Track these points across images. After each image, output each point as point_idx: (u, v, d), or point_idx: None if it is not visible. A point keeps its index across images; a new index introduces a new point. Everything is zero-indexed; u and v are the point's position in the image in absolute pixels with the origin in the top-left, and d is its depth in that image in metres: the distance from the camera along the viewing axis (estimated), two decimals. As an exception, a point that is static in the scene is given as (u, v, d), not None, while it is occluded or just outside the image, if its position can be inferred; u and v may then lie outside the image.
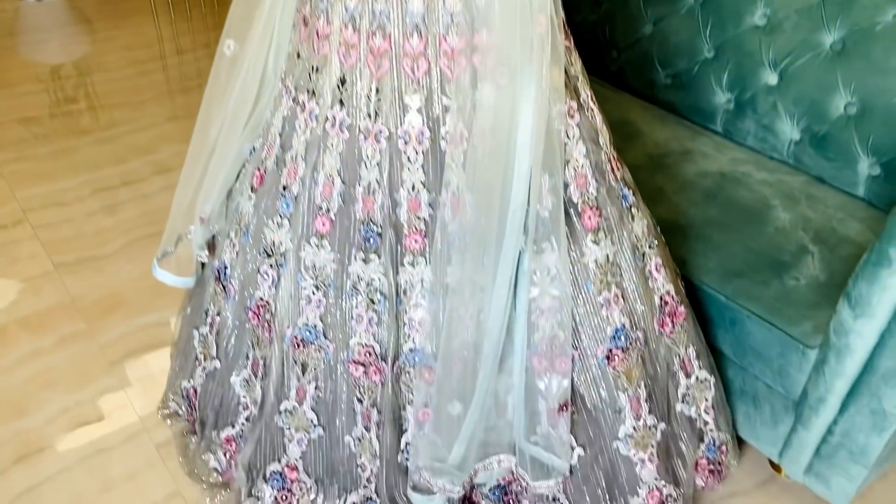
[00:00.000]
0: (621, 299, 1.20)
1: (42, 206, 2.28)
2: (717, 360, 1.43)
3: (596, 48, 2.15)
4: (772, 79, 1.73)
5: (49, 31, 3.36)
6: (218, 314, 1.38)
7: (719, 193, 1.64)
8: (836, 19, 1.61)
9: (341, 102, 1.11)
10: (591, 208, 1.16)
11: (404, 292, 1.17)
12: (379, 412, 1.23)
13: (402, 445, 1.26)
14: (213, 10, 3.65)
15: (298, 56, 1.18)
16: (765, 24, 1.73)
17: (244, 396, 1.35)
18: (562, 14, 1.10)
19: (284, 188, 1.21)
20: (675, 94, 1.96)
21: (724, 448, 1.43)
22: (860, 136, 1.59)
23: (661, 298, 1.27)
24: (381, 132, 1.09)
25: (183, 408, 1.55)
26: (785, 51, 1.69)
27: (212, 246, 1.41)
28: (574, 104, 1.14)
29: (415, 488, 1.24)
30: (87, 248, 2.13)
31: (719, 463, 1.43)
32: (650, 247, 1.26)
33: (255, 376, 1.32)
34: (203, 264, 1.44)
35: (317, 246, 1.18)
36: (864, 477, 1.30)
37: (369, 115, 1.10)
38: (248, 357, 1.33)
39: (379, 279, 1.16)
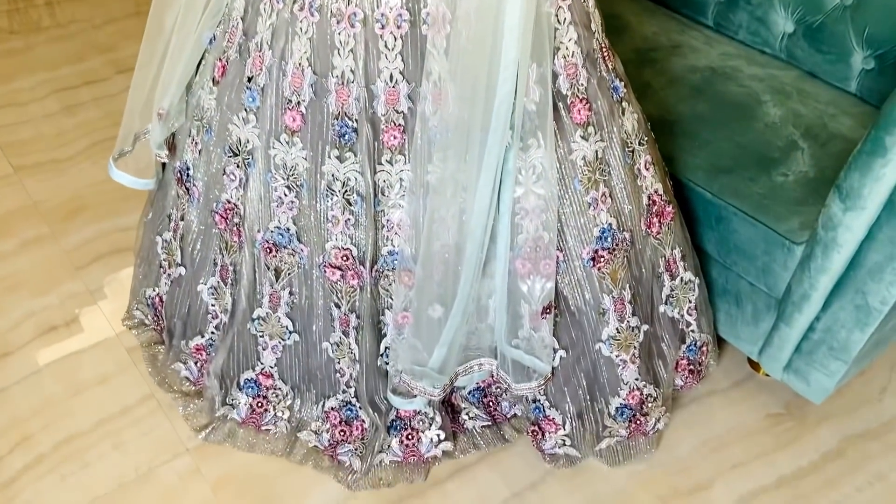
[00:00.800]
0: (609, 198, 1.16)
1: (-3, 107, 2.16)
2: (700, 259, 1.41)
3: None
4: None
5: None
6: (181, 218, 1.32)
7: (708, 89, 1.58)
8: None
9: (310, -19, 1.02)
10: (580, 101, 1.10)
11: (382, 192, 1.11)
12: (357, 317, 1.20)
13: (382, 349, 1.23)
14: None
15: (260, -71, 1.07)
16: None
17: (213, 305, 1.31)
18: None
19: (249, 79, 1.12)
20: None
21: (704, 349, 1.43)
22: (855, 28, 1.52)
23: (649, 198, 1.23)
24: (355, 14, 1.01)
25: (149, 317, 1.50)
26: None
27: (172, 145, 1.33)
28: (565, -18, 1.06)
29: (395, 391, 1.22)
30: (48, 150, 2.03)
31: (699, 363, 1.43)
32: (640, 143, 1.21)
33: (225, 283, 1.28)
34: (164, 165, 1.37)
35: (287, 143, 1.11)
36: (843, 372, 1.31)
37: (341, -4, 1.01)
38: (215, 263, 1.27)
39: (355, 178, 1.10)
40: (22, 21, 2.55)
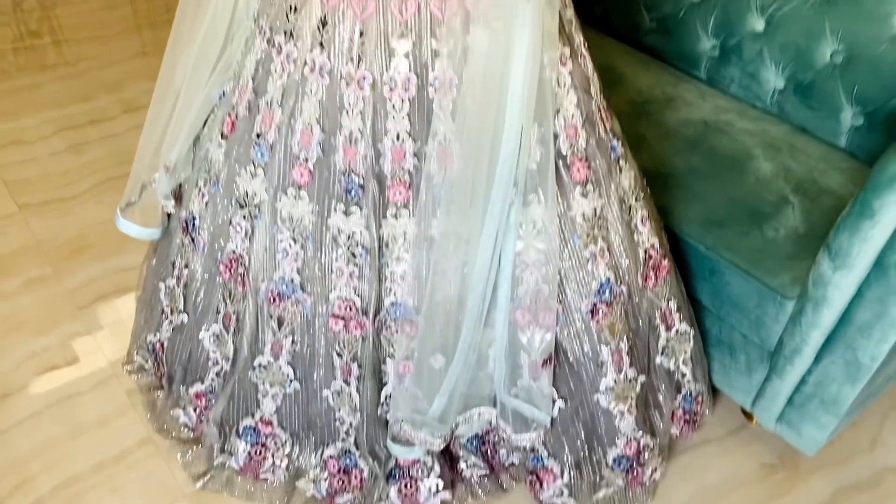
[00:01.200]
0: (607, 253, 1.19)
1: (3, 145, 2.19)
2: (694, 309, 1.44)
3: (580, -12, 2.09)
4: (758, 25, 1.69)
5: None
6: (186, 266, 1.34)
7: (702, 142, 1.62)
8: (828, -36, 1.57)
9: (321, 45, 1.06)
10: (580, 160, 1.14)
11: (386, 245, 1.14)
12: (359, 366, 1.22)
13: (383, 398, 1.25)
14: (179, -63, 3.48)
15: (274, -6, 1.12)
16: (754, -33, 1.69)
17: (214, 352, 1.33)
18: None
19: (258, 135, 1.16)
20: (659, 39, 1.92)
21: (699, 399, 1.45)
22: (845, 86, 1.57)
23: (645, 252, 1.26)
24: (364, 78, 1.05)
25: (149, 362, 1.52)
26: (773, -4, 1.66)
27: (178, 195, 1.36)
28: (567, 51, 1.10)
29: (395, 440, 1.24)
30: (53, 188, 2.06)
31: (695, 413, 1.45)
32: (636, 199, 1.24)
33: (227, 331, 1.30)
34: (169, 215, 1.40)
35: (294, 197, 1.14)
36: (834, 426, 1.33)
37: (352, 60, 1.05)
38: (218, 311, 1.30)
39: (360, 233, 1.13)
40: (29, 58, 2.59)
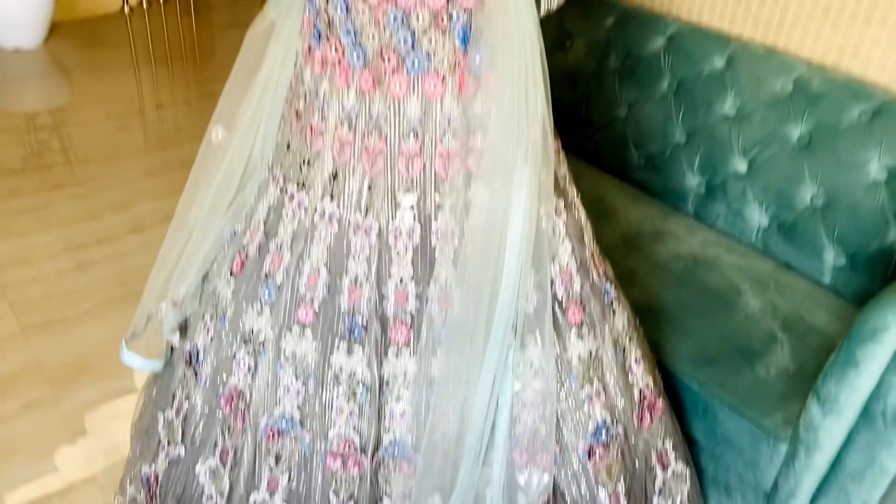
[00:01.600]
0: (603, 394, 1.22)
1: (12, 264, 2.24)
2: (690, 447, 1.45)
3: (573, 126, 2.21)
4: (741, 166, 1.79)
5: (27, 81, 3.34)
6: (186, 399, 1.36)
7: (691, 277, 1.68)
8: (803, 114, 1.68)
9: (332, 196, 1.13)
10: (575, 304, 1.19)
11: (387, 384, 1.17)
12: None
13: (379, 537, 1.25)
14: (194, 64, 3.67)
15: (288, 147, 1.19)
16: (734, 114, 1.80)
17: (209, 487, 1.33)
18: (552, 119, 1.13)
19: (267, 275, 1.21)
20: (648, 175, 2.02)
21: (697, 537, 1.44)
22: (826, 227, 1.65)
23: (640, 392, 1.29)
24: (371, 227, 1.11)
25: (142, 494, 1.50)
26: (754, 140, 1.76)
27: (183, 328, 1.39)
28: (561, 203, 1.17)
29: (391, 581, 1.22)
30: (56, 308, 2.09)
31: (692, 551, 1.44)
32: (630, 340, 1.29)
33: (224, 466, 1.30)
34: (172, 347, 1.43)
35: (299, 335, 1.18)
36: (832, 570, 1.32)
37: (360, 210, 1.11)
38: (216, 445, 1.30)
39: (362, 371, 1.16)
40: (41, 177, 2.68)
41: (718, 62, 1.85)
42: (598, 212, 1.90)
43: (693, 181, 1.90)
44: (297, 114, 1.17)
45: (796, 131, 1.69)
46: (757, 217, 1.78)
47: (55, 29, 3.72)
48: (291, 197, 1.17)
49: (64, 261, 2.28)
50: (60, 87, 3.39)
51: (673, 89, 1.93)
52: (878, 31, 1.62)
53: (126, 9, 4.18)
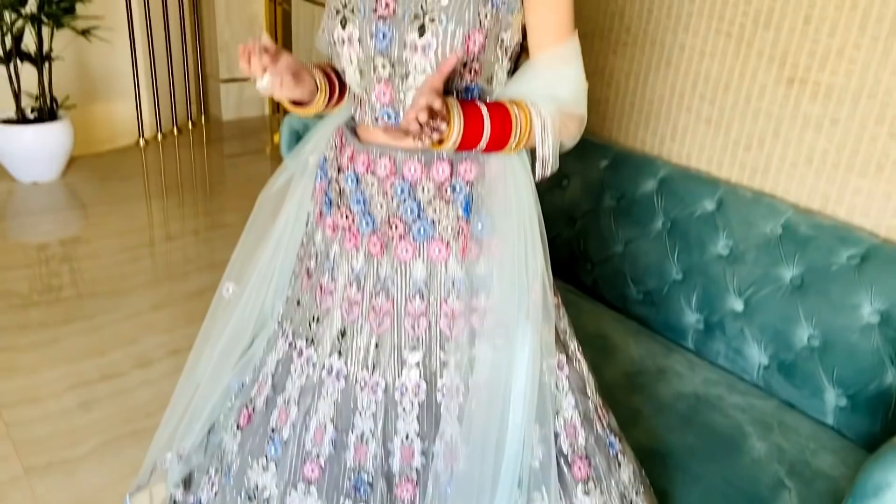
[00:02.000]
0: (610, 551, 1.21)
1: (17, 402, 2.24)
2: None
3: (571, 260, 2.28)
4: (738, 305, 1.83)
5: (42, 214, 3.45)
6: (190, 554, 1.35)
7: (695, 418, 1.69)
8: (794, 256, 1.74)
9: (340, 353, 1.16)
10: (580, 458, 1.20)
11: (391, 540, 1.17)
12: None
13: None
14: (204, 194, 3.80)
15: (298, 303, 1.24)
16: (728, 254, 1.87)
17: None
18: (551, 277, 1.19)
19: (273, 430, 1.22)
20: (647, 310, 2.06)
21: None
22: (825, 368, 1.67)
23: (648, 546, 1.28)
24: (378, 384, 1.14)
25: None
26: (748, 281, 1.81)
27: (187, 481, 1.39)
28: (563, 357, 1.21)
29: None
30: (60, 448, 2.08)
31: None
32: (637, 493, 1.29)
33: None
34: (175, 500, 1.42)
35: (304, 493, 1.18)
36: None
37: (367, 367, 1.15)
38: None
39: (367, 530, 1.16)
40: (50, 312, 2.73)
41: (709, 205, 1.93)
42: (601, 348, 1.93)
43: (692, 318, 1.94)
44: (308, 272, 1.23)
45: (788, 273, 1.75)
46: (756, 356, 1.80)
47: (73, 162, 3.88)
48: (300, 352, 1.21)
49: (69, 398, 2.28)
50: (74, 220, 3.50)
51: (667, 228, 2.01)
52: (860, 181, 1.70)
53: (141, 141, 4.38)
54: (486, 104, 1.06)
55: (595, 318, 2.09)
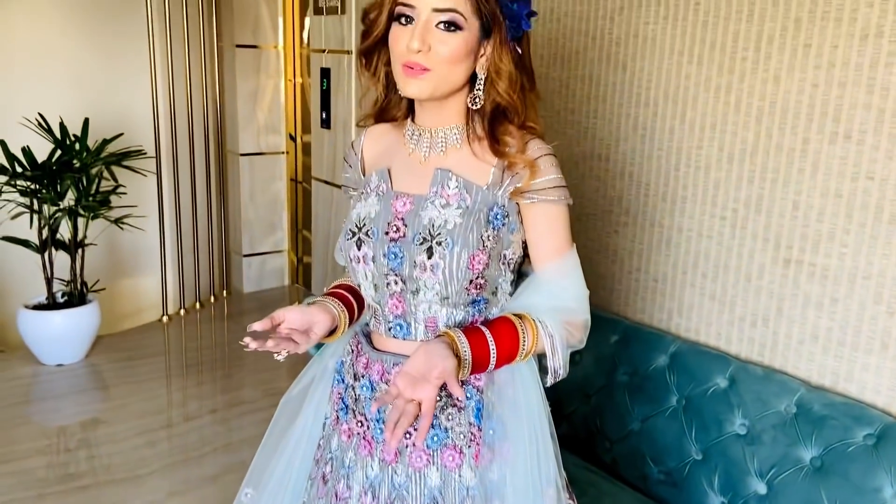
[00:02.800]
0: None
1: None
2: None
3: (588, 437, 2.27)
4: (761, 488, 1.80)
5: (65, 398, 3.49)
6: None
7: None
8: (811, 436, 1.73)
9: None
10: None
11: None
12: None
13: None
14: (224, 372, 3.85)
15: (313, 510, 1.25)
16: (745, 433, 1.86)
17: None
18: (564, 476, 1.20)
19: None
20: (669, 492, 2.02)
21: None
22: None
23: None
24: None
25: None
26: (769, 462, 1.80)
27: None
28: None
29: None
30: None
31: None
32: None
33: None
34: None
35: None
36: None
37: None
38: None
39: None
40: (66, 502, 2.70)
41: (721, 381, 1.94)
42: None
43: (715, 501, 1.90)
44: (324, 477, 1.25)
45: (807, 454, 1.73)
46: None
47: (97, 342, 3.98)
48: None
49: None
50: (96, 402, 3.54)
51: (682, 405, 2.01)
52: (867, 358, 1.73)
53: (165, 318, 4.50)
54: (492, 326, 1.13)
55: (615, 501, 2.05)
